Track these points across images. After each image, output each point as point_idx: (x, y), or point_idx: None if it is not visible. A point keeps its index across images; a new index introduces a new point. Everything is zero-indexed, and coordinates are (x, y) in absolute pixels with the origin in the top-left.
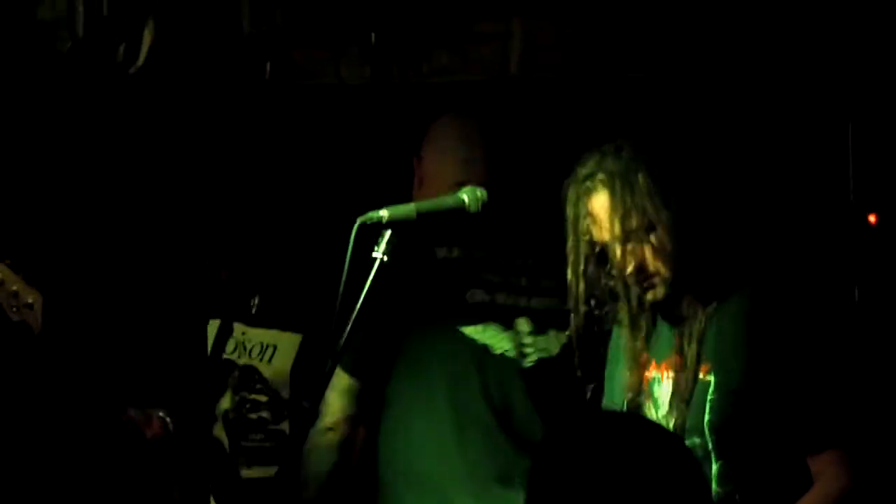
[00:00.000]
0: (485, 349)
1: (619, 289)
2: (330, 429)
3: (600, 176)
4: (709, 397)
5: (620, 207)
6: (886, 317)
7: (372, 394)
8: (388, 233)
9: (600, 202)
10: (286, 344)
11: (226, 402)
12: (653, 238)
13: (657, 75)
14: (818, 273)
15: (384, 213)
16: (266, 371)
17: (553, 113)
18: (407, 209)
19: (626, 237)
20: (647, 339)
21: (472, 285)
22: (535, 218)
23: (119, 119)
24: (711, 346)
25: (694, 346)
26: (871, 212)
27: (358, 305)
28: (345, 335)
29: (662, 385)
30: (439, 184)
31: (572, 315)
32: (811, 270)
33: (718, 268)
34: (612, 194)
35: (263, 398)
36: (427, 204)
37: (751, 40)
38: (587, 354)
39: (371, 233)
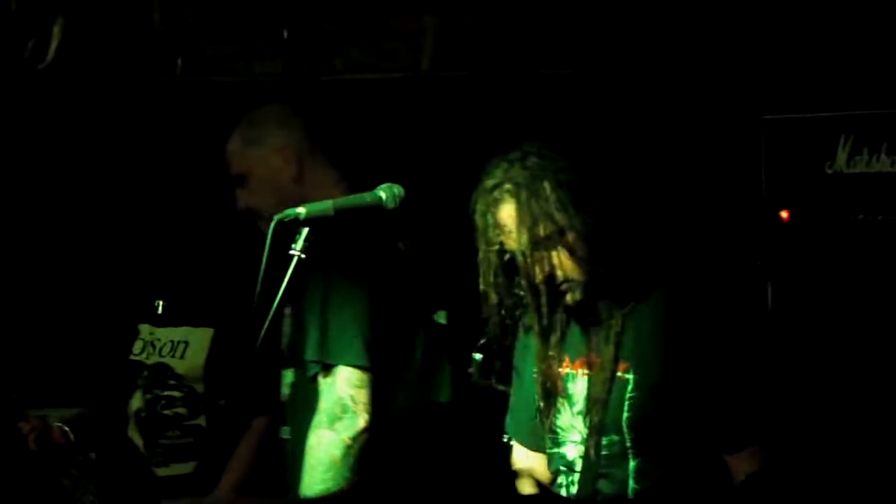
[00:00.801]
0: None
1: (529, 298)
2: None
3: (507, 186)
4: (627, 395)
5: (528, 217)
6: (798, 312)
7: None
8: (305, 230)
9: (507, 212)
10: (198, 339)
11: (137, 402)
12: (563, 245)
13: (569, 73)
14: (732, 270)
15: (301, 210)
16: (179, 367)
17: (465, 110)
18: (324, 206)
19: (534, 246)
20: (560, 340)
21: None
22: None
23: (28, 116)
24: (630, 344)
25: (611, 344)
26: (783, 208)
27: (276, 301)
28: (263, 331)
29: (577, 382)
30: None
31: (487, 328)
32: (725, 268)
33: (634, 268)
34: (519, 204)
35: (178, 394)
36: (345, 201)
37: (662, 38)
38: (502, 362)
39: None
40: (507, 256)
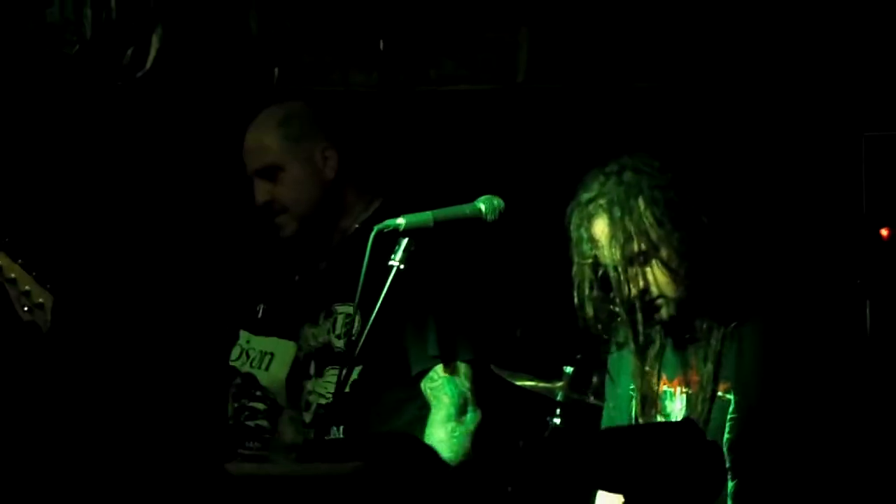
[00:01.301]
0: None
1: (623, 313)
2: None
3: (601, 201)
4: (729, 416)
5: (621, 233)
6: None
7: None
8: (405, 241)
9: (601, 227)
10: (283, 351)
11: (230, 411)
12: (656, 261)
13: (664, 85)
14: (832, 289)
15: (401, 221)
16: (263, 379)
17: (559, 122)
18: (424, 217)
19: (628, 261)
20: (658, 357)
21: None
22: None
23: (127, 122)
24: (731, 365)
25: (711, 364)
26: (883, 226)
27: (374, 312)
28: (362, 339)
29: (675, 401)
30: None
31: (583, 337)
32: (826, 288)
33: (733, 287)
34: (612, 220)
35: (262, 406)
36: (444, 212)
37: (762, 53)
38: (596, 376)
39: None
40: (601, 270)
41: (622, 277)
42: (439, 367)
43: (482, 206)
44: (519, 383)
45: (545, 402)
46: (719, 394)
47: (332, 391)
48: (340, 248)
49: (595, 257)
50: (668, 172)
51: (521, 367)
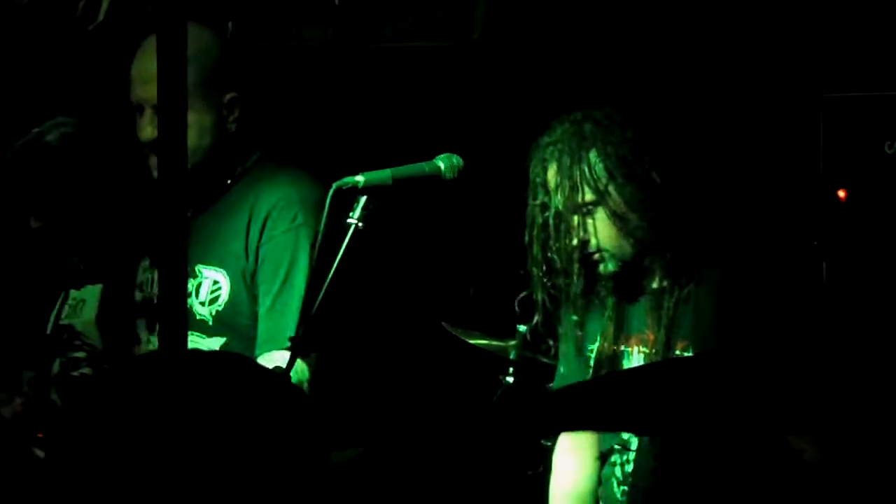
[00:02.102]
0: None
1: (559, 261)
2: None
3: (556, 147)
4: None
5: (567, 182)
6: (853, 292)
7: None
8: (363, 198)
9: (551, 173)
10: (92, 295)
11: (56, 366)
12: (600, 214)
13: (623, 43)
14: (788, 249)
15: (360, 178)
16: (78, 325)
17: (516, 80)
18: (383, 175)
19: (571, 210)
20: (613, 316)
21: None
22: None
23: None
24: (688, 323)
25: (667, 321)
26: (840, 188)
27: (332, 270)
28: (318, 300)
29: (633, 359)
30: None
31: (533, 286)
32: (782, 247)
33: (686, 245)
34: (561, 167)
35: (82, 354)
36: (403, 170)
37: (722, 12)
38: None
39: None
40: (548, 214)
41: (563, 226)
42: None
43: (441, 164)
44: (472, 342)
45: (498, 361)
46: (677, 352)
47: None
48: (212, 201)
49: (543, 203)
50: (628, 128)
51: (473, 326)
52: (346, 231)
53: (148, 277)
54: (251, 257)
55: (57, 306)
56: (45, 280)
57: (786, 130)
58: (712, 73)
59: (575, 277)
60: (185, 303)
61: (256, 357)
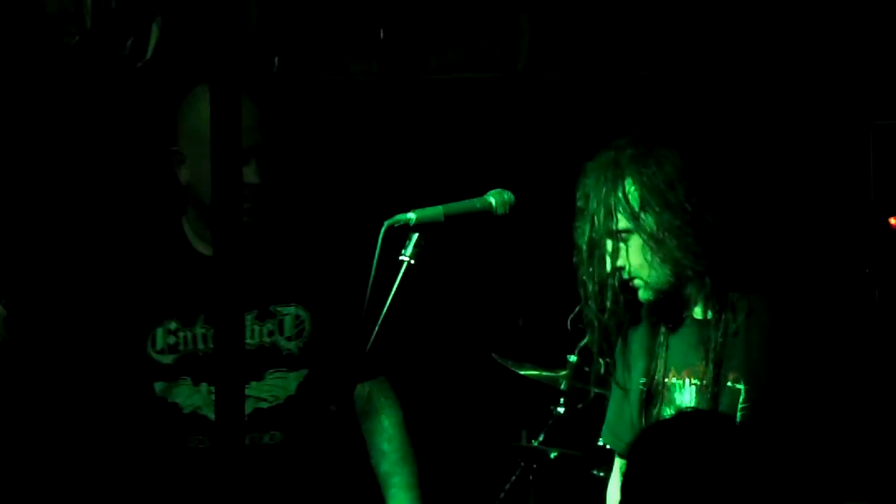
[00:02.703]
0: None
1: (594, 287)
2: None
3: (596, 173)
4: (740, 405)
5: (602, 208)
6: None
7: None
8: (416, 235)
9: (589, 198)
10: None
11: None
12: (632, 242)
13: (668, 73)
14: (841, 278)
15: (412, 215)
16: None
17: (561, 110)
18: (435, 212)
19: (606, 237)
20: (663, 347)
21: None
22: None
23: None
24: (739, 354)
25: (717, 355)
26: (892, 215)
27: (385, 307)
28: (373, 335)
29: (685, 392)
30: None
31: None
32: (834, 276)
33: (727, 273)
34: (597, 195)
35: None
36: (455, 207)
37: (768, 40)
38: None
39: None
40: (595, 237)
41: (598, 252)
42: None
43: (492, 200)
44: (523, 372)
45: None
46: (728, 384)
47: (275, 395)
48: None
49: (582, 228)
50: (665, 156)
51: (524, 357)
52: (398, 267)
53: (183, 336)
54: (336, 291)
55: None
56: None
57: (837, 158)
58: (761, 102)
59: (609, 303)
60: (242, 351)
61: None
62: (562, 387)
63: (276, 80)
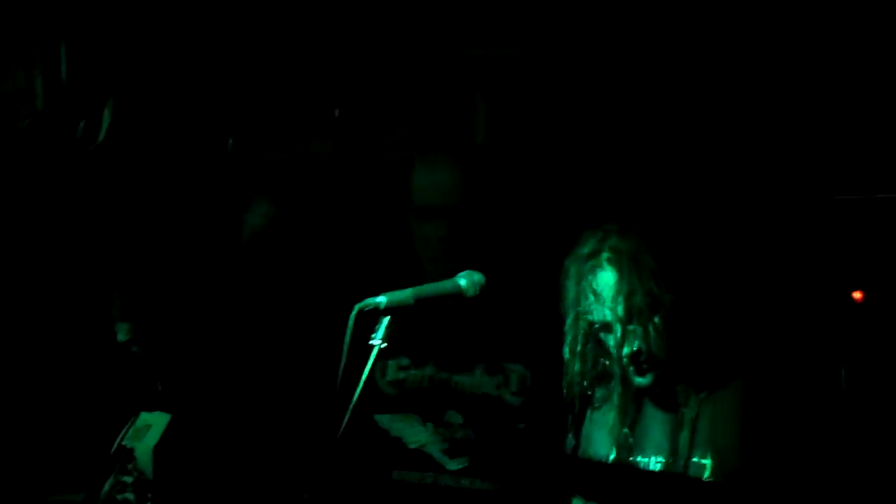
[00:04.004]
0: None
1: (615, 369)
2: None
3: (606, 255)
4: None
5: (627, 287)
6: (873, 395)
7: None
8: (386, 319)
9: (606, 280)
10: (159, 422)
11: (107, 486)
12: (655, 320)
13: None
14: (807, 354)
15: (382, 299)
16: (138, 450)
17: (520, 184)
18: (404, 295)
19: (629, 317)
20: (635, 423)
21: None
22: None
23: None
24: (705, 430)
25: (687, 431)
26: (856, 289)
27: (358, 389)
28: (346, 417)
29: (649, 467)
30: None
31: (565, 394)
32: (800, 351)
33: (712, 354)
34: (620, 273)
35: (129, 479)
36: (425, 289)
37: (732, 117)
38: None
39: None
40: (596, 327)
41: (621, 333)
42: None
43: (462, 283)
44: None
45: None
46: (693, 459)
47: None
48: None
49: (592, 312)
50: (668, 235)
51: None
52: (369, 351)
53: None
54: None
55: (126, 426)
56: (123, 397)
57: (799, 234)
58: (725, 177)
59: (629, 386)
60: None
61: None
62: None
63: (231, 160)
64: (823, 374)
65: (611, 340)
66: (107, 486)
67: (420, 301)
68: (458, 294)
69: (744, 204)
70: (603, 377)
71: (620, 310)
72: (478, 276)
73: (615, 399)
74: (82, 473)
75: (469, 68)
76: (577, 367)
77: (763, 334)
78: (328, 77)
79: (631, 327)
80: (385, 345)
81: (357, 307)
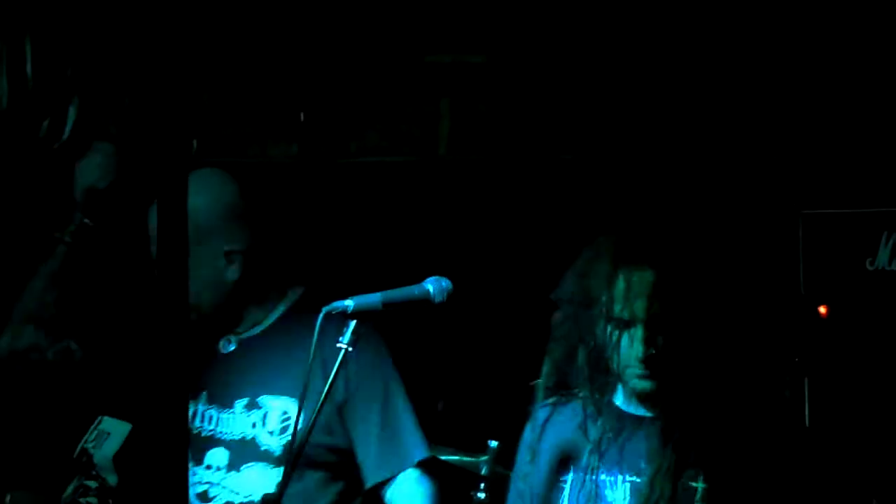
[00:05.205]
0: None
1: (621, 373)
2: None
3: (646, 254)
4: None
5: (663, 288)
6: (837, 410)
7: None
8: (353, 323)
9: (646, 279)
10: (119, 431)
11: (69, 489)
12: (664, 329)
13: (591, 158)
14: (771, 367)
15: (350, 302)
16: (97, 456)
17: (481, 195)
18: (373, 300)
19: (652, 320)
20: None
21: None
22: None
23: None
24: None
25: (671, 451)
26: (821, 304)
27: (324, 392)
28: (311, 423)
29: (617, 489)
30: None
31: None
32: (765, 365)
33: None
34: (659, 273)
35: (94, 483)
36: (393, 294)
37: (696, 128)
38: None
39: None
40: (608, 326)
41: (642, 334)
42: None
43: (430, 288)
44: (442, 457)
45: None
46: (682, 481)
47: (250, 491)
48: (258, 340)
49: (613, 310)
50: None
51: (443, 441)
52: (336, 354)
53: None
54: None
55: (90, 429)
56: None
57: (766, 248)
58: (688, 189)
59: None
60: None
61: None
62: (483, 472)
63: (195, 162)
64: (788, 387)
65: (628, 341)
66: (69, 489)
67: (388, 306)
68: (427, 300)
69: (706, 215)
70: (604, 385)
71: (655, 309)
72: (446, 283)
73: (588, 406)
74: (40, 474)
75: (434, 75)
76: (556, 357)
77: (727, 346)
78: (293, 77)
79: (650, 332)
80: (351, 349)
81: (325, 309)
